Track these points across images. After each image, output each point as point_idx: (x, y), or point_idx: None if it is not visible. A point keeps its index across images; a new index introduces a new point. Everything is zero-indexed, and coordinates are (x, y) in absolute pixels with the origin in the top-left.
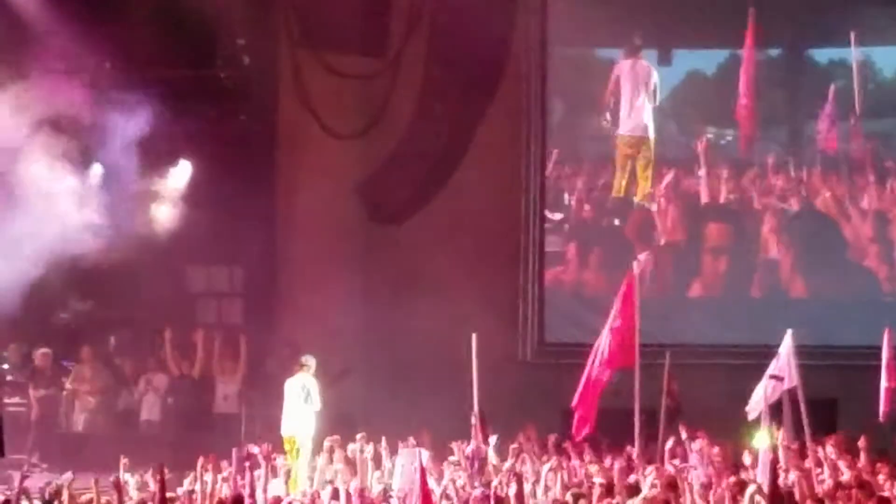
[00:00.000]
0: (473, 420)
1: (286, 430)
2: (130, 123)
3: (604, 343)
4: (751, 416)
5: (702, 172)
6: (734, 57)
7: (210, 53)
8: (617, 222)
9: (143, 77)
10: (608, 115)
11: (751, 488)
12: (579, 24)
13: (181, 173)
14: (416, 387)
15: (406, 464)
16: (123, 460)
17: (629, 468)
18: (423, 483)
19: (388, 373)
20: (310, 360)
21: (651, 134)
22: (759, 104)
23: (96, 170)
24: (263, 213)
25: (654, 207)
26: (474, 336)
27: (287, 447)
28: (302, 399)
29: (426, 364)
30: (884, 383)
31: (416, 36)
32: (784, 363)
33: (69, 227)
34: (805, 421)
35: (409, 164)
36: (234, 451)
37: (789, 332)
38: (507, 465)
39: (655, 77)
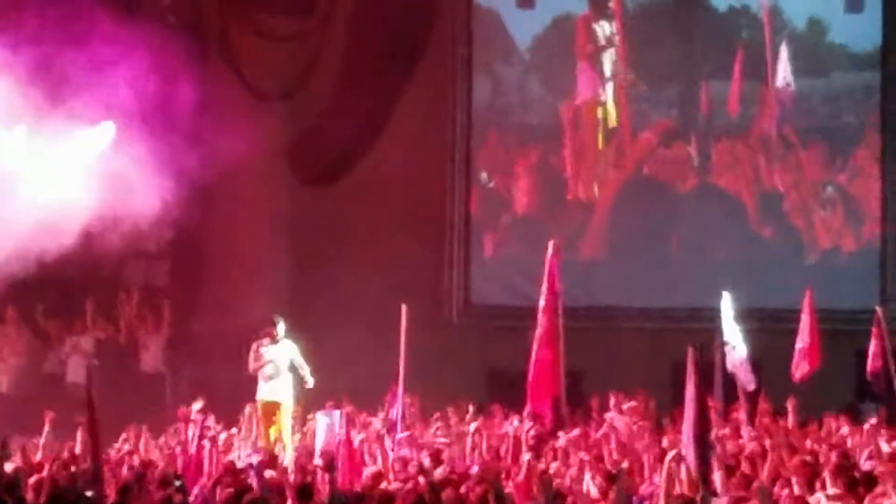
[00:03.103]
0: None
1: (269, 395)
2: (54, 83)
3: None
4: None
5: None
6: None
7: (135, 12)
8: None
9: (66, 35)
10: None
11: (669, 455)
12: None
13: (105, 134)
14: (343, 348)
15: (324, 425)
16: (49, 415)
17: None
18: (349, 445)
19: (316, 334)
20: (280, 326)
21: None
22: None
23: (21, 129)
24: (190, 174)
25: None
26: (404, 307)
27: (263, 411)
28: (287, 367)
29: (354, 326)
30: (799, 343)
31: None
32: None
33: None
34: (739, 385)
35: (336, 126)
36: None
37: (725, 294)
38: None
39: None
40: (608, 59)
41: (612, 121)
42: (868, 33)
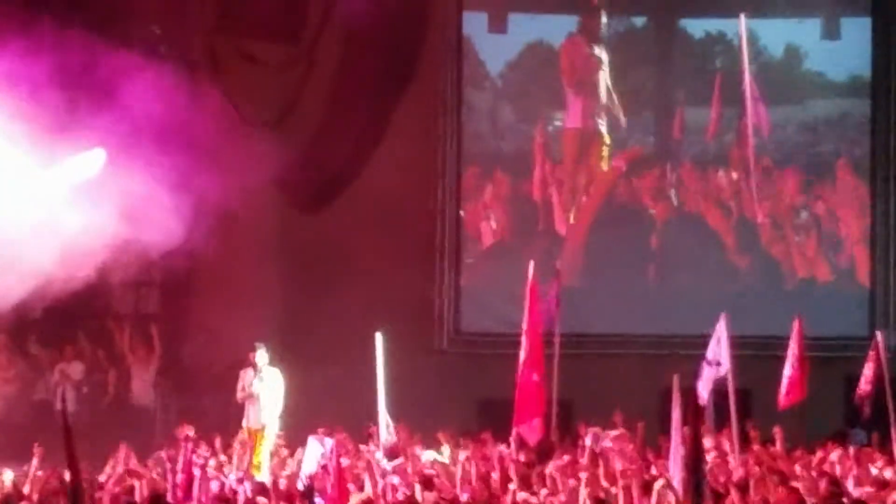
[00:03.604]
0: (387, 426)
1: (254, 422)
2: (44, 111)
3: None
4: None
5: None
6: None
7: (125, 41)
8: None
9: (56, 64)
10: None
11: (658, 483)
12: None
13: (95, 161)
14: (333, 376)
15: (314, 451)
16: (38, 449)
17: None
18: (338, 469)
19: (306, 362)
20: (262, 354)
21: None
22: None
23: (12, 155)
24: (180, 202)
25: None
26: (378, 335)
27: (248, 438)
28: (270, 394)
29: (344, 353)
30: (787, 371)
31: (331, 22)
32: (720, 348)
33: None
34: (733, 408)
35: (326, 152)
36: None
37: (723, 316)
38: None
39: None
40: (597, 85)
41: (600, 147)
42: (845, 61)
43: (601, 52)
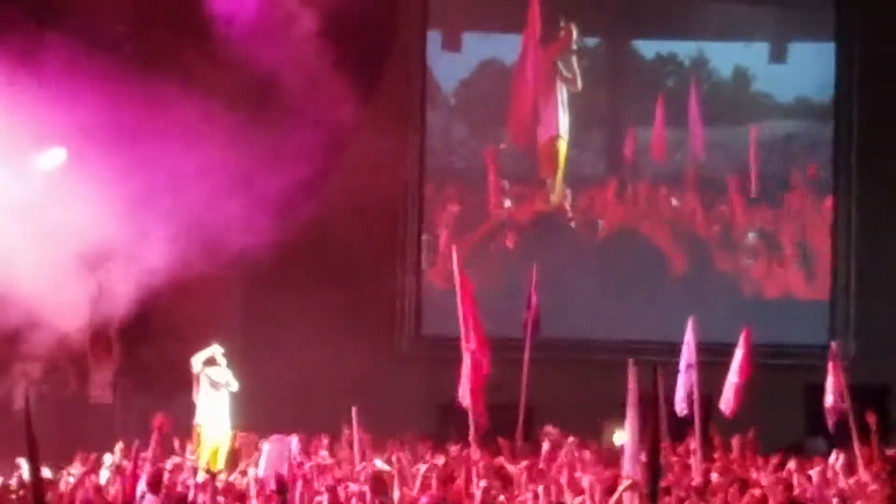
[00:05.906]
0: None
1: (208, 419)
2: (6, 110)
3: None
4: (685, 412)
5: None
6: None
7: (91, 39)
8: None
9: (18, 62)
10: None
11: (623, 484)
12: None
13: (55, 160)
14: (293, 377)
15: (272, 451)
16: None
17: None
18: (298, 470)
19: (266, 363)
20: (217, 351)
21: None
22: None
23: None
24: (142, 201)
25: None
26: (354, 409)
27: (204, 435)
28: (224, 391)
29: (304, 355)
30: (733, 379)
31: (296, 27)
32: (690, 351)
33: None
34: (696, 414)
35: (291, 157)
36: None
37: (691, 320)
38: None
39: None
40: (565, 96)
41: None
42: (793, 84)
43: (574, 63)
